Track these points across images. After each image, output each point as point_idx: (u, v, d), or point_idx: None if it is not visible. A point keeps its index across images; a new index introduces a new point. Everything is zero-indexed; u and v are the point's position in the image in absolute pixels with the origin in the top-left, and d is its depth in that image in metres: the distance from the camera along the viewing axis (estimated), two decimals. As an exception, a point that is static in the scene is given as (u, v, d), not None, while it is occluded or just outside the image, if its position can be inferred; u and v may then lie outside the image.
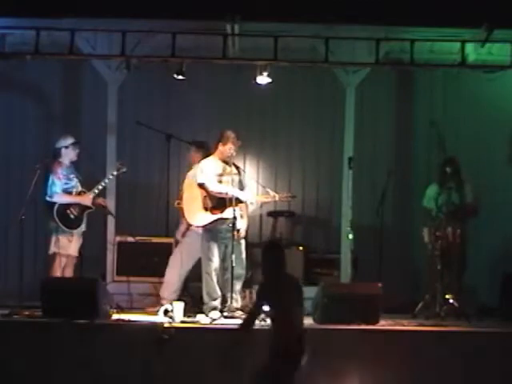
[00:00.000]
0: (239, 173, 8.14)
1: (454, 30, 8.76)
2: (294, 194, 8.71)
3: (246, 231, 8.18)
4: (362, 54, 8.83)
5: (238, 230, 7.86)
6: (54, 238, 8.30)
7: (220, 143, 8.03)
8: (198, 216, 8.00)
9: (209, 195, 7.97)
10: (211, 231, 7.94)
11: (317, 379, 6.77)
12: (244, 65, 9.04)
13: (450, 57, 9.11)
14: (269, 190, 8.30)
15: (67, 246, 8.27)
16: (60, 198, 8.27)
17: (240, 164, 8.63)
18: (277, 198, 8.24)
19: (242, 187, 8.09)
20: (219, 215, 7.88)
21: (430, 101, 10.03)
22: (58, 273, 8.24)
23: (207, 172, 7.98)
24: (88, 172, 8.74)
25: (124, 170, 8.60)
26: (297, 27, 8.71)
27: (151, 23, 8.65)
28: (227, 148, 7.99)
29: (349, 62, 8.91)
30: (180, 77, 8.51)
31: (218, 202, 7.93)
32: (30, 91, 9.92)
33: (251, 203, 8.11)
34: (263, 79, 8.60)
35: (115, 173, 8.58)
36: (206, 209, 7.98)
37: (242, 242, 8.04)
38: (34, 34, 8.31)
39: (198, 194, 8.02)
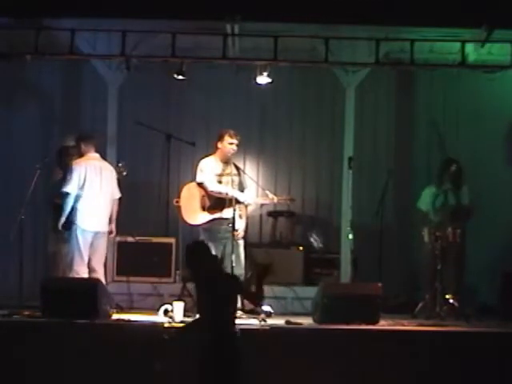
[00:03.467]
0: (239, 173, 8.14)
1: (454, 30, 8.77)
2: (293, 197, 8.76)
3: (245, 231, 8.17)
4: (362, 54, 8.84)
5: (237, 230, 7.86)
6: (52, 237, 8.32)
7: (218, 142, 8.06)
8: (195, 215, 8.00)
9: (207, 195, 7.98)
10: (209, 231, 7.94)
11: (316, 379, 6.77)
12: (244, 65, 9.05)
13: (449, 57, 9.13)
14: (268, 192, 8.29)
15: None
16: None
17: (240, 164, 8.63)
18: (275, 200, 8.24)
19: (242, 188, 8.09)
20: (217, 215, 7.89)
21: (430, 101, 10.03)
22: (58, 272, 8.25)
23: (207, 172, 7.99)
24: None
25: (125, 173, 8.59)
26: (297, 27, 8.72)
27: (151, 23, 8.67)
28: (226, 143, 8.01)
29: (349, 62, 8.92)
30: (180, 77, 8.53)
31: (216, 202, 7.94)
32: (30, 91, 9.93)
33: (249, 204, 8.12)
34: (263, 79, 8.61)
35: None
36: (203, 208, 7.99)
37: (241, 242, 8.03)
38: (34, 34, 8.33)
39: (197, 193, 8.03)
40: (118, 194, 8.35)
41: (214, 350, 5.39)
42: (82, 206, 8.04)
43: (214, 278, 5.62)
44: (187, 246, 5.82)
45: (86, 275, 7.98)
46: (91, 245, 8.09)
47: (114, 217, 8.37)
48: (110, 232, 8.33)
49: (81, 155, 8.18)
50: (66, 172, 8.15)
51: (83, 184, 8.02)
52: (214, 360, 5.38)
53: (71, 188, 8.00)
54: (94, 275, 8.05)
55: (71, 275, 7.95)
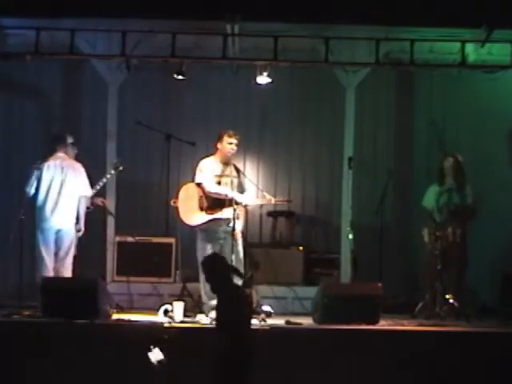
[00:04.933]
0: (239, 175, 8.15)
1: (454, 30, 8.78)
2: (290, 199, 8.87)
3: (243, 232, 8.16)
4: (362, 54, 8.85)
5: (234, 230, 7.84)
6: None
7: (217, 142, 8.07)
8: (193, 216, 8.00)
9: (205, 195, 7.98)
10: (206, 231, 7.94)
11: (316, 379, 6.77)
12: (244, 65, 9.06)
13: (449, 57, 9.14)
14: (265, 193, 8.29)
15: None
16: None
17: (240, 164, 8.64)
18: (273, 202, 8.25)
19: (241, 190, 8.09)
20: (215, 215, 7.89)
21: (430, 101, 10.03)
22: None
23: (206, 172, 7.99)
24: (88, 172, 8.72)
25: (121, 168, 8.68)
26: (297, 27, 8.73)
27: (151, 23, 8.67)
28: (225, 143, 8.01)
29: (349, 62, 8.93)
30: (180, 77, 8.54)
31: (214, 203, 7.94)
32: (30, 91, 9.93)
33: (247, 205, 8.12)
34: (263, 79, 8.62)
35: (113, 172, 8.70)
36: (201, 209, 7.99)
37: (240, 242, 8.02)
38: (34, 34, 8.33)
39: (195, 193, 8.03)
40: (84, 192, 8.31)
41: (229, 349, 5.45)
42: (42, 204, 8.11)
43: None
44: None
45: (50, 274, 8.01)
46: (54, 243, 8.12)
47: (82, 215, 8.32)
48: (79, 230, 8.31)
49: (50, 155, 8.27)
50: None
51: (39, 183, 8.10)
52: (229, 359, 5.45)
53: (29, 188, 8.10)
54: (60, 275, 8.08)
55: (38, 275, 7.97)
